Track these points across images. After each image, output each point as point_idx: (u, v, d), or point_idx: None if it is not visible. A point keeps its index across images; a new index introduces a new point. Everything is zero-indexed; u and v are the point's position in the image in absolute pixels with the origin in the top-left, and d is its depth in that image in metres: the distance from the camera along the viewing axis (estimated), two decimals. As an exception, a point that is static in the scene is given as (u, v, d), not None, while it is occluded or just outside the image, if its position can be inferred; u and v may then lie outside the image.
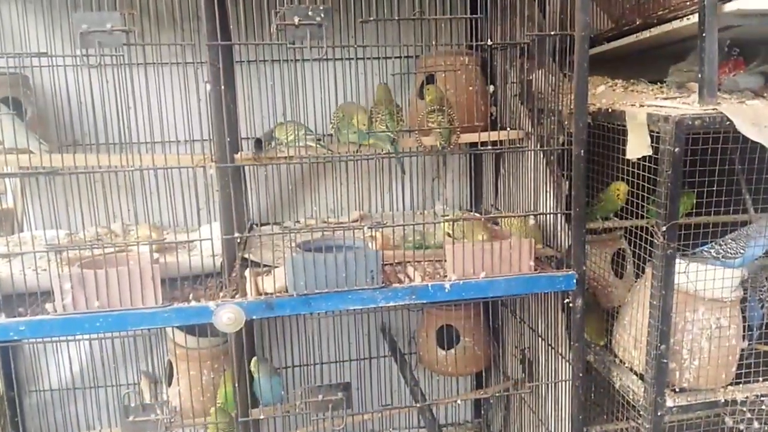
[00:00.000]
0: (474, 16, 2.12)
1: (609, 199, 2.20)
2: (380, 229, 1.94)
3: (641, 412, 1.93)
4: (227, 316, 1.72)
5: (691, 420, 2.07)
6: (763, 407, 1.91)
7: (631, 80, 2.38)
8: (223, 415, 2.08)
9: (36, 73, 2.26)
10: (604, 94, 2.23)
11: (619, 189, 2.16)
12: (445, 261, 1.88)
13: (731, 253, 1.88)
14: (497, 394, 2.60)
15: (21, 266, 1.73)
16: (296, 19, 1.67)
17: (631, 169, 1.95)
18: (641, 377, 1.95)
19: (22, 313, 1.70)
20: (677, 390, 1.93)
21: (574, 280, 1.92)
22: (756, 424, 1.91)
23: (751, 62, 2.20)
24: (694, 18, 1.89)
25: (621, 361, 2.08)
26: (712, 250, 1.91)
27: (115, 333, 1.73)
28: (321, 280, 1.76)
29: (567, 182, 1.97)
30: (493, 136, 2.06)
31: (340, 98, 2.03)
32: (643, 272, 2.02)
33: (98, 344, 2.47)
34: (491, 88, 2.42)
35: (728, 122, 1.73)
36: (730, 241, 1.92)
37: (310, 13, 1.67)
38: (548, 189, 2.10)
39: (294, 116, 1.82)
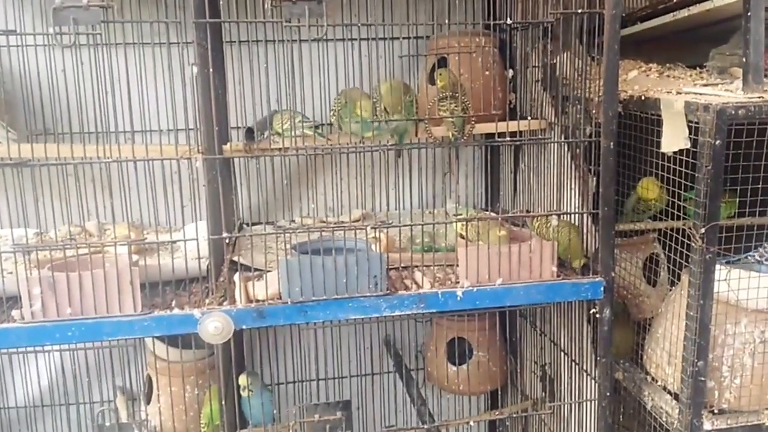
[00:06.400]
0: (491, -8, 2.13)
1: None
2: (385, 230, 1.94)
3: (676, 436, 1.93)
4: (214, 325, 1.73)
5: (732, 445, 2.07)
6: (813, 432, 1.91)
7: (667, 65, 2.37)
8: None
9: (3, 53, 2.27)
10: (637, 79, 2.23)
11: (649, 189, 2.15)
12: (457, 265, 1.89)
13: None
14: (514, 415, 2.60)
15: (-15, 268, 1.74)
16: (293, -6, 1.67)
17: (666, 163, 1.95)
18: (676, 397, 1.94)
19: (-14, 321, 1.71)
20: (716, 411, 1.93)
21: (602, 288, 1.92)
22: (804, 451, 1.91)
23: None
24: (739, -5, 1.89)
25: (653, 378, 2.08)
26: (756, 254, 1.90)
27: (88, 344, 1.74)
28: (318, 286, 1.77)
29: (594, 178, 1.97)
30: (512, 126, 2.06)
31: (341, 83, 2.03)
32: (679, 280, 2.02)
33: (70, 356, 2.48)
34: (510, 72, 2.41)
35: (776, 112, 1.73)
36: None
37: (308, -13, 1.67)
38: (573, 186, 2.10)
39: (290, 103, 1.82)
